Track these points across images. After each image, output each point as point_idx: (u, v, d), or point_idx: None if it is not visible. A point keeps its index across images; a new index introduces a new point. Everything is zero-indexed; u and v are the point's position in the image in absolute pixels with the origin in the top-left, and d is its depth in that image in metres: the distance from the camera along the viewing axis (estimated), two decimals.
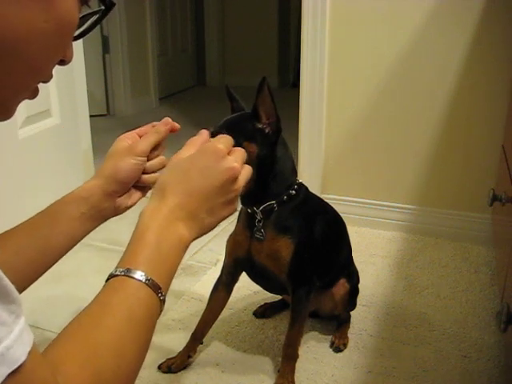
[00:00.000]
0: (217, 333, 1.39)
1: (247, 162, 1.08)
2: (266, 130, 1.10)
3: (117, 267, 0.60)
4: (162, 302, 0.60)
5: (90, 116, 2.50)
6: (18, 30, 0.45)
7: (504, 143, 1.67)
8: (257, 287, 1.32)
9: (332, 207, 1.34)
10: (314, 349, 1.35)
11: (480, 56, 1.77)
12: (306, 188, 1.22)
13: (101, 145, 2.83)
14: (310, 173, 2.04)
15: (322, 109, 1.99)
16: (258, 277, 1.26)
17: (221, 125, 1.11)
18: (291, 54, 4.78)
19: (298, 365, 1.23)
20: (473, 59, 1.78)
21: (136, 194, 0.92)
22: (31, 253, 0.82)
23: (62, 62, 0.53)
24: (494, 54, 1.76)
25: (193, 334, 1.28)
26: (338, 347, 1.34)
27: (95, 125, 2.73)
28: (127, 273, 0.59)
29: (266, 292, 1.37)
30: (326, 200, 1.37)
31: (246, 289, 1.54)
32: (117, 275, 0.59)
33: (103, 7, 0.57)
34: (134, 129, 0.93)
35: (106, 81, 3.79)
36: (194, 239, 0.67)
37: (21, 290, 0.78)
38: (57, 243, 0.85)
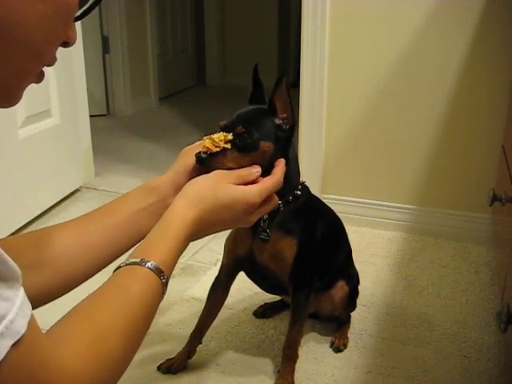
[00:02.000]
0: (217, 333, 1.39)
1: (260, 163, 1.06)
2: (284, 126, 1.08)
3: (131, 256, 0.66)
4: (163, 284, 0.66)
5: (90, 116, 2.50)
6: (15, 12, 0.44)
7: (504, 143, 1.67)
8: (257, 287, 1.32)
9: (331, 209, 1.34)
10: (313, 349, 1.35)
11: (480, 56, 1.77)
12: (308, 189, 1.21)
13: (101, 145, 2.84)
14: (310, 173, 2.04)
15: (322, 109, 1.99)
16: (257, 277, 1.26)
17: (234, 119, 1.05)
18: (291, 53, 4.78)
19: (298, 365, 1.23)
20: (473, 59, 1.78)
21: None
22: (95, 241, 0.82)
23: (66, 44, 0.53)
24: (494, 54, 1.76)
25: (191, 334, 1.28)
26: (338, 347, 1.34)
27: (95, 125, 2.73)
28: (141, 262, 0.64)
29: (266, 292, 1.37)
30: (325, 200, 1.37)
31: (247, 289, 1.54)
32: (131, 263, 0.64)
33: None
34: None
35: (106, 81, 3.79)
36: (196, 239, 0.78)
37: (82, 279, 0.80)
38: (120, 234, 0.84)
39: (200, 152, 0.98)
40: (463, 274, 1.70)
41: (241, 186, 0.81)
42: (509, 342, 1.10)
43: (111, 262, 0.83)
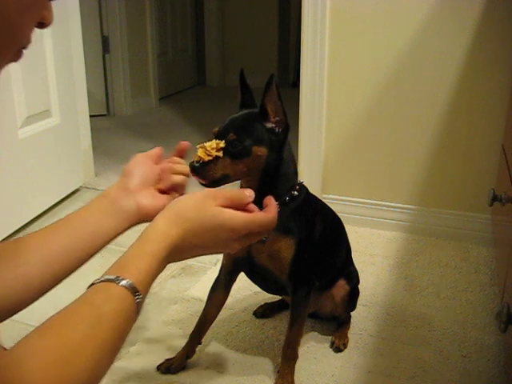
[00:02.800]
0: (217, 333, 1.39)
1: (255, 166, 1.07)
2: (276, 130, 1.08)
3: (107, 272, 0.61)
4: (138, 304, 0.61)
5: (90, 116, 2.50)
6: None
7: (504, 143, 1.67)
8: (257, 288, 1.32)
9: (330, 208, 1.33)
10: (313, 349, 1.35)
11: (480, 56, 1.77)
12: (307, 189, 1.21)
13: (101, 145, 2.84)
14: (310, 173, 2.04)
15: (322, 109, 1.99)
16: (257, 277, 1.26)
17: (227, 125, 1.07)
18: (291, 54, 4.78)
19: (298, 365, 1.23)
20: (473, 59, 1.78)
21: (160, 197, 0.92)
22: (58, 249, 0.82)
23: (41, 25, 0.52)
24: (494, 54, 1.76)
25: (191, 334, 1.28)
26: (338, 347, 1.34)
27: (95, 125, 2.73)
28: (115, 280, 0.59)
29: (266, 292, 1.37)
30: (325, 200, 1.37)
31: (247, 289, 1.54)
32: (105, 280, 0.60)
33: None
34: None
35: (106, 81, 3.79)
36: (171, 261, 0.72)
37: (47, 289, 0.80)
38: (80, 241, 0.84)
39: (193, 161, 1.00)
40: (463, 274, 1.70)
41: (229, 210, 0.73)
42: (509, 341, 1.10)
43: (71, 272, 0.85)
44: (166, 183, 0.92)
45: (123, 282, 0.59)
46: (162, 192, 0.92)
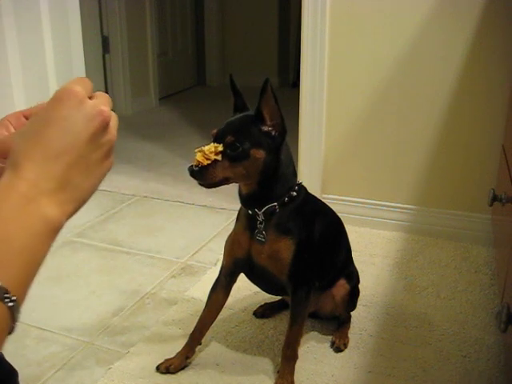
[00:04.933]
0: (217, 333, 1.39)
1: (254, 169, 1.08)
2: (273, 133, 1.09)
3: None
4: (12, 309, 0.45)
5: None
6: None
7: (504, 143, 1.67)
8: (257, 287, 1.32)
9: (330, 208, 1.34)
10: (314, 349, 1.35)
11: (480, 56, 1.77)
12: (306, 189, 1.21)
13: None
14: (310, 173, 2.04)
15: (322, 109, 1.99)
16: (257, 278, 1.26)
17: (224, 128, 1.08)
18: (291, 54, 4.78)
19: (298, 365, 1.23)
20: (473, 59, 1.78)
21: None
22: None
23: None
24: (494, 54, 1.76)
25: (191, 334, 1.28)
26: (338, 347, 1.34)
27: None
28: None
29: (266, 293, 1.37)
30: (325, 200, 1.37)
31: (246, 289, 1.54)
32: None
33: None
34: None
35: (106, 81, 3.79)
36: (72, 214, 0.51)
37: None
38: None
39: (192, 166, 1.01)
40: (463, 274, 1.70)
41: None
42: (509, 342, 1.10)
43: None
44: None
45: None
46: None
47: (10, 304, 0.44)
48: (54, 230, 0.49)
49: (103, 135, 0.53)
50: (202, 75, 4.99)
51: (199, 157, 1.03)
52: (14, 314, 0.44)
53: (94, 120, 0.51)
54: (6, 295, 0.44)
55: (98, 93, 0.55)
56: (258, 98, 1.07)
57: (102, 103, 0.53)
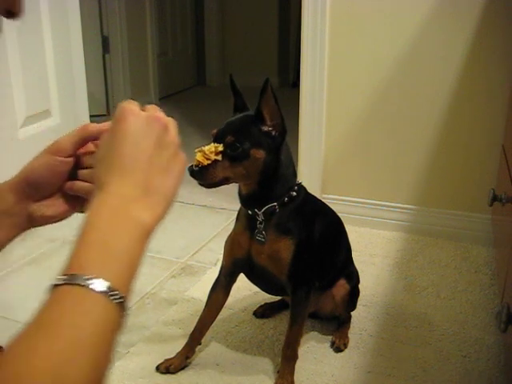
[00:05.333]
0: (217, 333, 1.39)
1: (254, 169, 1.08)
2: (273, 133, 1.09)
3: (57, 276, 0.49)
4: (121, 305, 0.49)
5: (90, 116, 2.50)
6: None
7: (504, 143, 1.67)
8: (257, 287, 1.32)
9: (330, 208, 1.34)
10: (314, 349, 1.35)
11: (480, 56, 1.77)
12: (305, 189, 1.21)
13: None
14: (310, 173, 2.04)
15: (322, 109, 1.98)
16: (257, 278, 1.26)
17: (224, 128, 1.08)
18: (291, 54, 4.77)
19: (298, 365, 1.23)
20: (473, 59, 1.78)
21: (62, 205, 0.73)
22: None
23: (10, 15, 0.49)
24: (494, 54, 1.76)
25: (191, 335, 1.28)
26: (338, 347, 1.34)
27: None
28: (69, 280, 0.48)
29: (265, 293, 1.37)
30: (326, 200, 1.37)
31: (246, 289, 1.54)
32: (57, 285, 0.48)
33: None
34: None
35: (106, 81, 3.79)
36: (162, 215, 0.56)
37: None
38: None
39: (192, 165, 1.01)
40: (463, 274, 1.70)
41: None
42: (509, 342, 1.10)
43: None
44: (68, 190, 0.73)
45: (98, 286, 0.48)
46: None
47: (120, 301, 0.49)
48: (148, 232, 0.54)
49: (165, 137, 0.59)
50: (202, 75, 4.99)
51: (199, 157, 1.03)
52: (122, 311, 0.49)
53: (153, 126, 0.58)
54: (115, 293, 0.48)
55: (148, 106, 0.62)
56: (258, 97, 1.07)
57: (155, 111, 0.60)
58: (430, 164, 1.92)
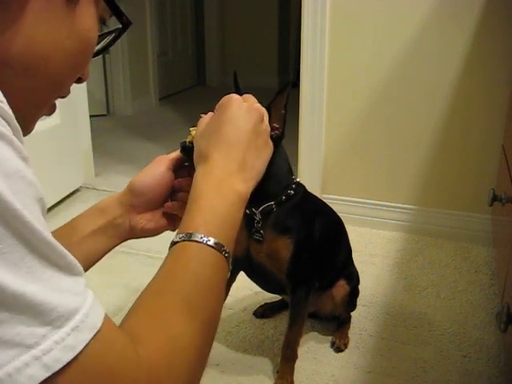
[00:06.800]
0: (217, 333, 1.38)
1: None
2: (272, 134, 1.08)
3: (176, 234, 0.59)
4: (227, 258, 0.59)
5: (90, 116, 2.50)
6: (45, 48, 0.45)
7: (504, 143, 1.67)
8: (257, 287, 1.32)
9: (330, 207, 1.33)
10: (314, 349, 1.35)
11: (480, 56, 1.77)
12: (304, 187, 1.21)
13: (101, 145, 2.84)
14: (310, 173, 2.04)
15: (322, 109, 1.99)
16: (256, 276, 1.26)
17: None
18: (291, 54, 4.77)
19: (298, 365, 1.23)
20: (473, 59, 1.78)
21: (161, 220, 0.82)
22: None
23: (79, 80, 0.54)
24: (494, 54, 1.76)
25: None
26: (338, 347, 1.34)
27: (95, 125, 2.73)
28: (187, 238, 0.58)
29: (266, 292, 1.37)
30: (326, 200, 1.36)
31: (246, 289, 1.54)
32: (177, 242, 0.58)
33: (120, 26, 0.60)
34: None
35: (106, 81, 3.79)
36: (253, 187, 0.68)
37: None
38: None
39: (185, 141, 0.95)
40: (463, 274, 1.70)
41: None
42: (509, 342, 1.10)
43: None
44: (166, 208, 0.84)
45: (211, 242, 0.57)
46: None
47: (227, 255, 0.59)
48: (244, 200, 0.66)
49: (261, 125, 0.72)
50: (202, 75, 4.99)
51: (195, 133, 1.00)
52: (228, 263, 0.60)
53: (252, 115, 0.71)
54: (223, 248, 0.59)
55: (246, 95, 0.76)
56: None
57: (254, 102, 0.74)
58: (430, 164, 1.92)
